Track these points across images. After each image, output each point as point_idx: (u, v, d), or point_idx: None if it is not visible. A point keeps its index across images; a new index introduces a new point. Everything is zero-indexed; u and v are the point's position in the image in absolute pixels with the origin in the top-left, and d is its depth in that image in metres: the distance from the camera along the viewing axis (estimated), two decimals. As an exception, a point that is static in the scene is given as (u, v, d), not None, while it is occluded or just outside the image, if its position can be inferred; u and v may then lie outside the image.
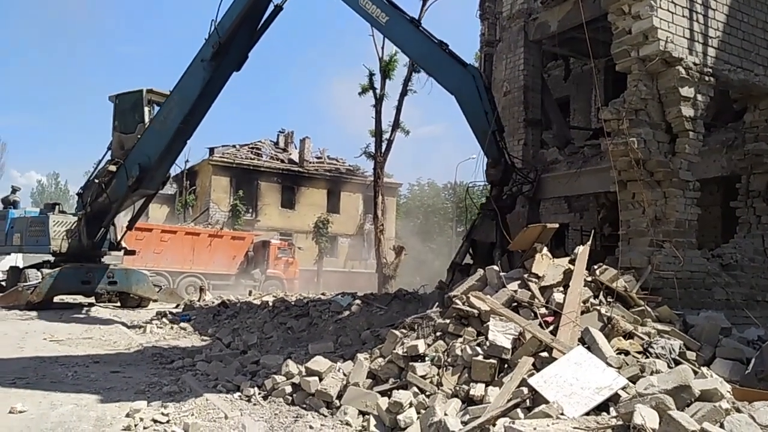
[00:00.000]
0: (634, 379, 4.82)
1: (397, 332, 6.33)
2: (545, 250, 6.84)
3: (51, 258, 16.93)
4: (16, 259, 19.68)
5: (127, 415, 5.40)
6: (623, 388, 4.65)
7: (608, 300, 6.36)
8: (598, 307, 6.11)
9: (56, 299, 16.38)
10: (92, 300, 17.63)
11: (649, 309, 6.41)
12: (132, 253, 18.78)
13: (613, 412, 4.38)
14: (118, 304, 17.64)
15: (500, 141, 8.99)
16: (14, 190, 19.61)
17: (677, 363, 5.35)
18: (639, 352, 5.50)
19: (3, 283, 17.89)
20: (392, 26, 10.64)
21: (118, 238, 18.12)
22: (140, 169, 14.73)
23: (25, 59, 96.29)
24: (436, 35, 9.96)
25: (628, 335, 5.76)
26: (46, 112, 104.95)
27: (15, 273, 17.27)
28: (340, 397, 5.70)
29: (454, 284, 8.37)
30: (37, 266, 17.00)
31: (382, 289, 21.32)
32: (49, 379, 7.07)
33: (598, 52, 10.73)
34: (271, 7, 13.45)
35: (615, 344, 5.55)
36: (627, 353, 5.43)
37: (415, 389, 5.45)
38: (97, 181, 16.38)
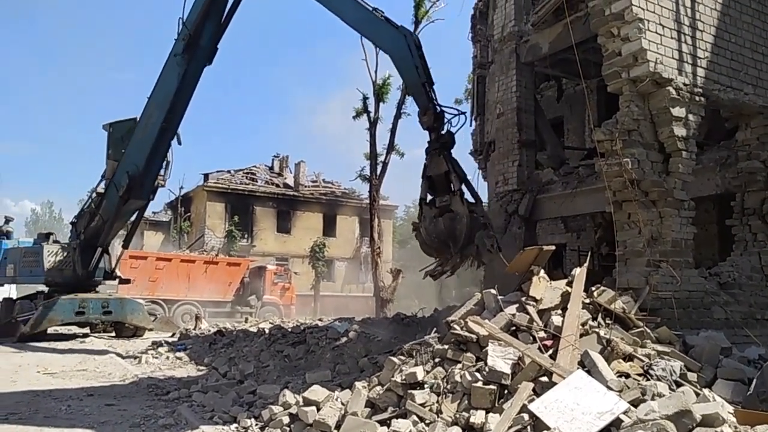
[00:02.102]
0: (635, 403, 4.75)
1: (395, 359, 6.25)
2: (542, 272, 6.81)
3: (45, 289, 16.82)
4: (10, 291, 19.53)
5: (122, 451, 5.30)
6: (625, 413, 4.58)
7: (607, 322, 6.31)
8: (597, 330, 6.06)
9: (50, 330, 16.22)
10: (87, 330, 17.47)
11: (649, 330, 6.36)
12: (127, 282, 18.72)
13: (615, 438, 4.31)
14: (113, 333, 17.46)
15: (429, 92, 9.59)
16: (7, 221, 19.49)
17: (678, 385, 5.29)
18: (639, 375, 5.44)
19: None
20: None
21: (113, 266, 18.00)
22: (129, 177, 14.73)
23: (18, 87, 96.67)
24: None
25: (628, 357, 5.70)
26: (39, 141, 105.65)
27: (8, 305, 17.09)
28: (338, 427, 5.60)
29: (426, 220, 9.22)
30: (31, 297, 16.90)
31: (379, 313, 21.19)
32: (43, 414, 6.95)
33: (590, 73, 10.85)
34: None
35: (615, 367, 5.49)
36: (627, 376, 5.37)
37: (415, 418, 5.36)
38: (86, 209, 16.42)
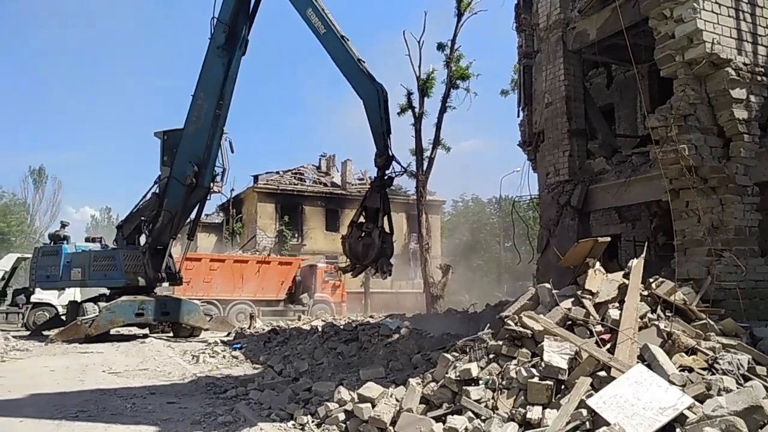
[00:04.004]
0: (700, 398, 4.58)
1: (448, 356, 6.22)
2: (598, 264, 6.64)
3: (107, 291, 17.47)
4: (74, 294, 20.29)
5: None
6: (689, 408, 4.42)
7: (667, 314, 6.10)
8: (656, 323, 5.87)
9: (113, 331, 16.86)
10: (146, 331, 18.07)
11: (712, 322, 6.12)
12: (178, 280, 19.16)
13: (680, 435, 4.16)
14: (171, 334, 18.01)
15: (387, 140, 12.01)
16: (63, 225, 20.04)
17: (746, 379, 5.08)
18: (704, 369, 5.24)
19: (63, 317, 18.49)
20: (327, 37, 13.02)
21: (178, 267, 18.63)
22: (195, 165, 16.04)
23: (68, 98, 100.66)
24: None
25: (691, 351, 5.50)
26: (93, 149, 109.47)
27: (74, 307, 17.82)
28: (393, 423, 5.61)
29: (352, 238, 11.48)
30: (94, 300, 17.56)
31: (430, 309, 21.11)
32: (110, 411, 7.21)
33: (641, 58, 10.48)
34: None
35: (677, 361, 5.31)
36: (690, 370, 5.18)
37: (470, 414, 5.32)
38: (143, 217, 17.19)
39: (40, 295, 19.87)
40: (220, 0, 15.50)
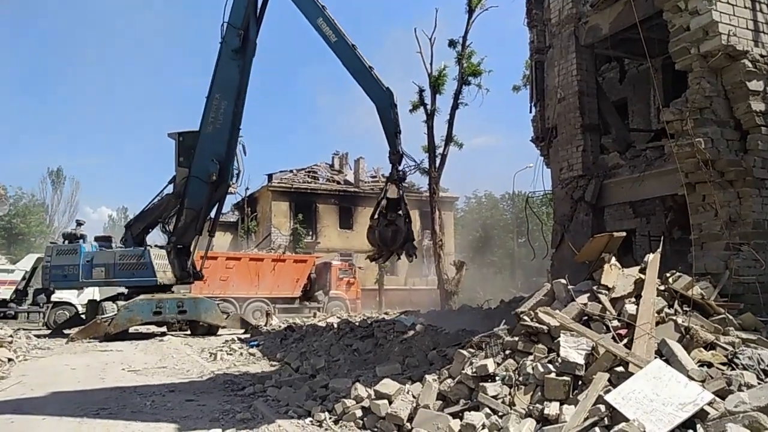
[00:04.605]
0: (720, 394, 4.55)
1: (464, 352, 6.23)
2: (613, 259, 6.61)
3: (125, 290, 17.66)
4: (94, 293, 20.53)
5: (204, 444, 5.50)
6: (710, 404, 4.40)
7: (684, 309, 6.07)
8: (674, 317, 5.85)
9: (131, 330, 17.05)
10: (164, 329, 18.25)
11: (731, 317, 6.08)
12: (200, 277, 19.33)
13: (701, 431, 4.14)
14: (189, 332, 18.18)
15: (398, 139, 13.25)
16: (79, 224, 19.87)
17: (767, 374, 5.03)
18: (723, 364, 5.21)
19: (83, 316, 18.72)
20: (338, 45, 14.17)
21: (200, 266, 18.86)
22: (218, 162, 16.61)
23: (88, 100, 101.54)
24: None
25: (710, 346, 5.47)
26: (111, 150, 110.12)
27: (93, 306, 18.04)
28: (410, 419, 5.64)
29: (380, 227, 12.50)
30: (113, 299, 17.76)
31: (445, 306, 21.12)
32: (130, 409, 7.31)
33: (654, 51, 10.40)
34: None
35: (696, 356, 5.28)
36: (710, 365, 5.16)
37: (487, 410, 5.34)
38: (160, 219, 17.53)
39: (60, 294, 20.05)
40: (230, 4, 16.17)
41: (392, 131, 13.38)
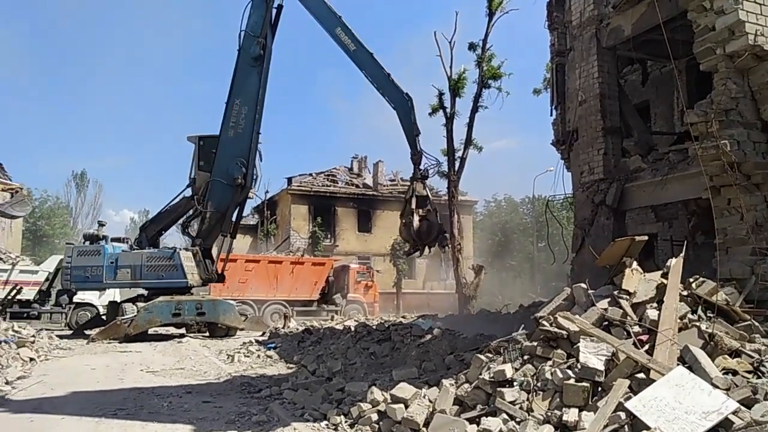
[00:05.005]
0: (746, 403, 4.42)
1: (482, 357, 6.15)
2: (635, 264, 6.48)
3: (144, 292, 17.82)
4: (114, 294, 20.76)
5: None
6: (735, 413, 4.27)
7: (708, 315, 5.92)
8: (697, 324, 5.70)
9: (150, 331, 17.19)
10: (183, 331, 18.38)
11: (757, 324, 5.92)
12: (222, 279, 19.42)
13: (725, 440, 4.03)
14: (207, 333, 18.28)
15: (418, 140, 14.52)
16: (101, 225, 20.03)
17: (795, 383, 4.88)
18: (749, 372, 5.07)
19: (104, 317, 18.93)
20: (358, 53, 15.24)
21: (222, 269, 19.04)
22: (243, 165, 17.03)
23: (111, 105, 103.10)
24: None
25: (735, 353, 5.33)
26: (132, 153, 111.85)
27: (113, 307, 18.24)
28: (427, 424, 5.57)
29: (415, 222, 13.51)
30: (133, 300, 17.93)
31: (463, 310, 20.97)
32: (147, 409, 7.34)
33: (678, 53, 10.22)
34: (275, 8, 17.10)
35: (720, 363, 5.14)
36: (735, 373, 5.02)
37: (505, 416, 5.25)
38: (181, 224, 17.74)
39: (81, 295, 20.30)
40: (247, 13, 16.77)
41: (412, 133, 14.51)
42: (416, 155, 14.30)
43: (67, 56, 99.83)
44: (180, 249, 18.17)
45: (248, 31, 16.75)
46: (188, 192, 18.10)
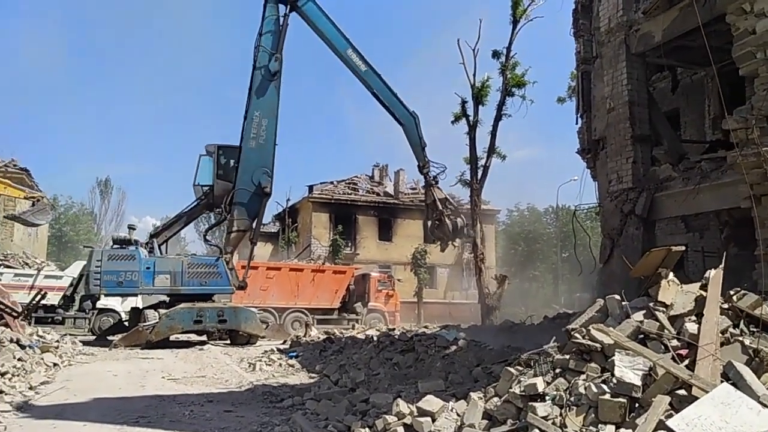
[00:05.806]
0: (797, 423, 4.18)
1: (512, 369, 5.94)
2: (671, 275, 6.24)
3: (166, 299, 17.85)
4: (136, 301, 20.86)
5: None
6: (785, 434, 4.03)
7: (751, 330, 5.65)
8: (740, 338, 5.43)
9: (172, 338, 17.21)
10: (204, 338, 18.37)
11: (805, 339, 5.63)
12: (244, 286, 19.35)
13: (777, 463, 3.79)
14: (228, 341, 18.24)
15: (424, 151, 16.76)
16: (131, 228, 19.43)
17: None
18: (797, 390, 4.80)
19: (126, 323, 19.03)
20: (368, 74, 16.80)
21: (244, 276, 19.06)
22: (268, 174, 17.69)
23: (133, 110, 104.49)
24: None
25: (781, 370, 5.06)
26: (153, 159, 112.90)
27: (136, 313, 18.31)
28: (455, 439, 5.40)
29: (441, 219, 16.33)
30: (155, 307, 17.97)
31: (485, 321, 20.71)
32: (169, 418, 7.26)
33: (711, 59, 9.96)
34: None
35: (766, 381, 4.88)
36: (783, 391, 4.75)
37: (537, 431, 5.05)
38: (202, 233, 17.98)
39: (105, 301, 20.44)
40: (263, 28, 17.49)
41: (419, 146, 16.61)
42: (425, 166, 16.39)
43: (101, 64, 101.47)
44: (220, 257, 18.16)
45: (264, 46, 17.40)
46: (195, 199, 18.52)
